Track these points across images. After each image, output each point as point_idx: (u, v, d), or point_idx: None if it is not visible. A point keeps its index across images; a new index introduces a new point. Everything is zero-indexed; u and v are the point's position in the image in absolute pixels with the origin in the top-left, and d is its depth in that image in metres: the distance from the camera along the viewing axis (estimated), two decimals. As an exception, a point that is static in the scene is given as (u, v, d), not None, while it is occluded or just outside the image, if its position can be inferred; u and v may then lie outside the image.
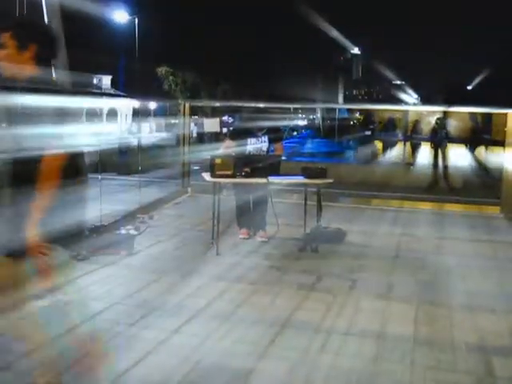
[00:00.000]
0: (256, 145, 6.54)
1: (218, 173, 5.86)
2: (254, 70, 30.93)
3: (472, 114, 16.34)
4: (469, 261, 5.97)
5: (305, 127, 35.25)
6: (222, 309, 4.37)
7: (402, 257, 6.09)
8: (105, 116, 38.34)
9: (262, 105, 12.76)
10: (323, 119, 29.91)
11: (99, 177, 9.32)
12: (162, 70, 26.51)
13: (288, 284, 5.02)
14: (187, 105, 10.29)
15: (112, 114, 38.23)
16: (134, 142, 21.26)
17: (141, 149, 20.88)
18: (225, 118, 32.41)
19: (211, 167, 5.90)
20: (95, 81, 39.15)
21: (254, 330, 3.94)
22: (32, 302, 2.75)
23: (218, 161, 5.86)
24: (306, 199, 6.42)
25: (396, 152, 18.18)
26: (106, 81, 40.17)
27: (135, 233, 6.76)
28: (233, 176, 5.91)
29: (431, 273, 5.49)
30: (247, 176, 5.99)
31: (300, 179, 6.14)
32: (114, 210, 8.05)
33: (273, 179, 6.01)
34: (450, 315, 4.29)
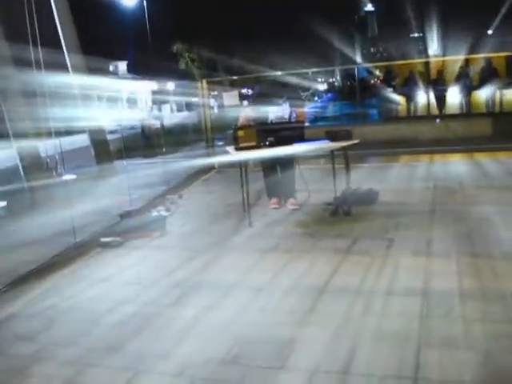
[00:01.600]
0: (277, 113, 6.44)
1: (241, 145, 5.78)
2: (268, 37, 30.46)
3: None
4: (506, 208, 5.80)
5: (325, 91, 34.78)
6: (259, 280, 4.32)
7: (438, 211, 5.95)
8: (125, 101, 38.48)
9: (279, 73, 12.59)
10: (343, 81, 29.40)
11: (124, 162, 9.39)
12: (177, 47, 26.30)
13: (323, 249, 4.95)
14: (204, 81, 10.17)
15: (132, 97, 38.36)
16: (156, 124, 21.42)
17: (164, 130, 21.03)
18: (244, 90, 32.14)
19: (234, 140, 5.83)
20: (111, 67, 39.29)
21: (294, 298, 3.89)
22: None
23: (240, 133, 5.78)
24: (333, 163, 6.30)
25: (420, 105, 17.78)
26: (123, 66, 40.32)
27: (166, 214, 6.75)
28: (257, 147, 5.82)
29: (469, 224, 5.35)
30: (272, 145, 5.90)
31: (325, 143, 6.02)
32: (144, 193, 8.08)
33: (298, 146, 5.91)
34: (493, 265, 4.16)
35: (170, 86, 35.73)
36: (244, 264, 4.75)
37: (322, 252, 4.88)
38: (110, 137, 12.78)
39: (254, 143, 5.77)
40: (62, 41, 10.83)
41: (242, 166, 6.05)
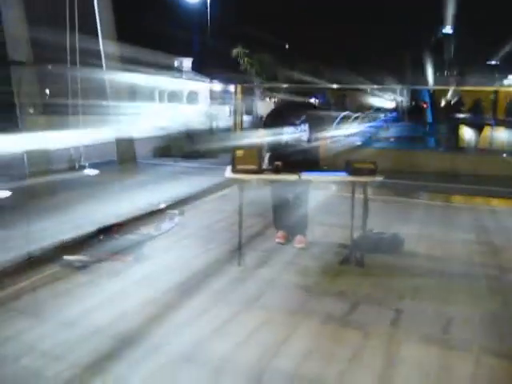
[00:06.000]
0: (294, 134, 5.42)
1: (239, 167, 4.81)
2: (336, 50, 29.42)
3: None
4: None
5: (391, 110, 33.66)
6: (216, 350, 3.34)
7: (472, 276, 4.79)
8: (185, 98, 38.25)
9: (335, 86, 11.46)
10: (411, 101, 28.11)
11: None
12: (237, 51, 25.55)
13: (313, 313, 3.91)
14: (239, 87, 9.27)
15: (193, 95, 38.04)
16: (205, 124, 20.81)
17: (212, 132, 20.33)
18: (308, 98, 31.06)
19: (232, 160, 4.86)
20: (176, 63, 39.04)
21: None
22: None
23: (239, 153, 4.80)
24: (353, 199, 5.19)
25: (485, 137, 16.30)
26: (187, 63, 40.00)
27: (155, 234, 5.87)
28: (258, 171, 4.84)
29: (508, 302, 4.20)
30: (278, 171, 4.91)
31: (341, 176, 4.97)
32: (147, 203, 7.22)
33: (306, 176, 4.88)
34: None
35: (232, 87, 35.09)
36: (207, 322, 3.76)
37: (309, 317, 3.84)
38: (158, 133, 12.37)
39: (254, 167, 4.78)
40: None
41: (240, 191, 5.09)
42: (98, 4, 10.04)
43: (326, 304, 4.08)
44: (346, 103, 26.63)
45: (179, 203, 7.18)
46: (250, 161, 4.77)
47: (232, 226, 6.37)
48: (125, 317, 3.81)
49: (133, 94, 14.83)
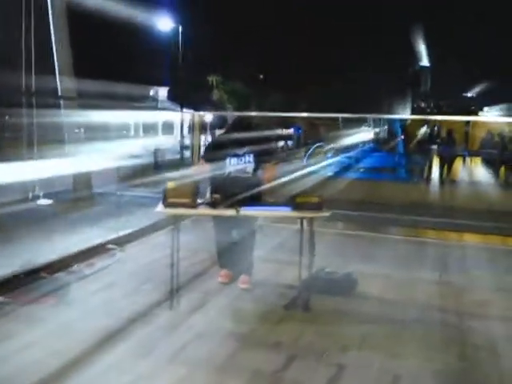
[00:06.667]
0: (237, 166, 4.98)
1: (170, 201, 4.35)
2: (312, 79, 29.32)
3: None
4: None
5: (368, 141, 33.53)
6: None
7: (428, 323, 4.32)
8: (160, 129, 37.89)
9: (305, 114, 11.02)
10: (388, 133, 28.02)
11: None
12: (212, 80, 25.29)
13: (241, 368, 3.41)
14: (196, 116, 8.88)
15: (168, 126, 37.71)
16: (184, 154, 20.53)
17: (184, 162, 20.01)
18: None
19: (163, 194, 4.41)
20: (152, 92, 38.67)
21: None
22: None
23: (171, 186, 4.36)
24: (301, 236, 4.71)
25: (458, 169, 16.09)
26: (163, 92, 39.62)
27: (89, 272, 5.35)
28: (192, 206, 4.38)
29: (465, 354, 3.74)
30: (215, 205, 4.46)
31: (285, 211, 4.52)
32: (89, 237, 6.70)
33: (246, 210, 4.44)
34: None
35: (208, 117, 34.66)
36: (120, 376, 3.26)
37: (235, 373, 3.35)
38: (131, 161, 12.56)
39: (186, 201, 4.33)
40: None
41: (174, 228, 4.62)
42: (55, 42, 9.84)
43: (257, 357, 3.59)
44: (320, 134, 26.46)
45: (124, 237, 6.67)
46: (183, 194, 4.32)
47: (178, 261, 5.89)
48: (32, 368, 3.32)
49: (104, 128, 14.86)
